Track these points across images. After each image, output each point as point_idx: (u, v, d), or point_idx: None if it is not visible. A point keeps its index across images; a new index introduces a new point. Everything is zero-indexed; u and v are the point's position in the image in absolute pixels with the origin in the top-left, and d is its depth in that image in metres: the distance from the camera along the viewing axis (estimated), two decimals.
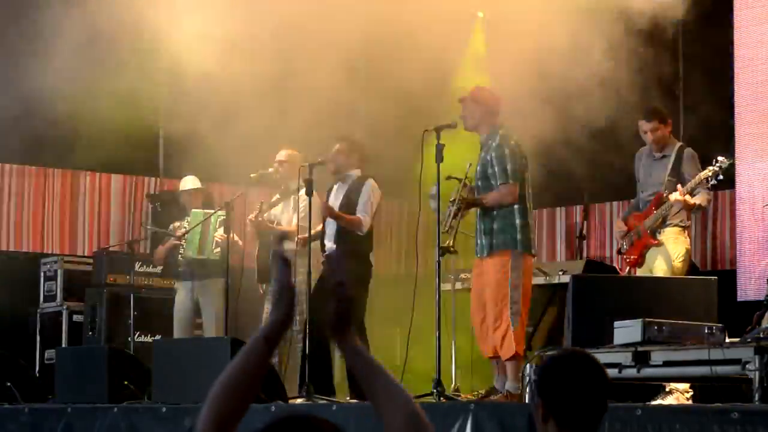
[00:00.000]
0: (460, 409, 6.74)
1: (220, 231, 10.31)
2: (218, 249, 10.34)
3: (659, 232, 8.63)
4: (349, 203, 9.28)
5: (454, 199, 8.25)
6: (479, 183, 8.31)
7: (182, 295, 10.56)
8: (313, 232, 9.04)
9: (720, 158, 8.36)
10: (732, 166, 8.61)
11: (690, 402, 7.87)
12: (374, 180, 9.42)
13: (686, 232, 8.72)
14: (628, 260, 8.78)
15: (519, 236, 8.17)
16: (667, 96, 10.22)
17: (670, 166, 8.66)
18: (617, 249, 9.01)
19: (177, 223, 10.85)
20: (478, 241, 8.32)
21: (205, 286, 10.46)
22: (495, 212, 8.22)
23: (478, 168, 8.30)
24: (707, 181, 8.36)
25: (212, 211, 10.48)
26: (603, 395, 3.38)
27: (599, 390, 3.37)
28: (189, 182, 10.83)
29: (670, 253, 8.55)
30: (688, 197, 8.39)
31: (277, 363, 9.42)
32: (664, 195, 8.57)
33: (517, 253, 8.13)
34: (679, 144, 8.78)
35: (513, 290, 8.06)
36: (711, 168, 8.35)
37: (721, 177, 8.38)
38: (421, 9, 10.06)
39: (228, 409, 2.75)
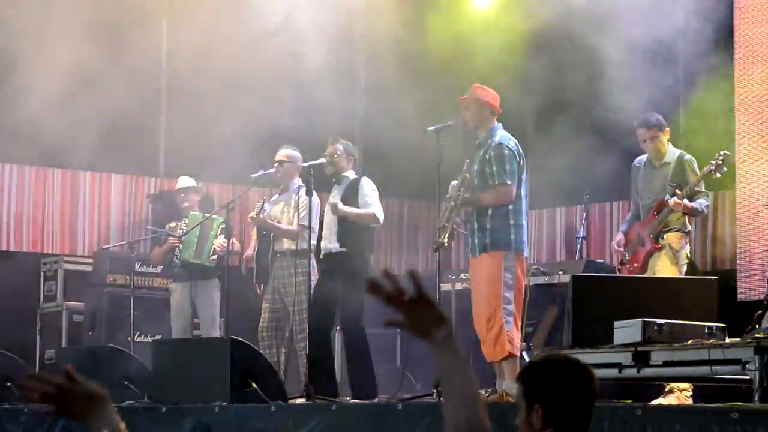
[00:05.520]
0: None
1: (221, 239, 10.33)
2: (215, 256, 10.37)
3: (661, 237, 8.65)
4: (347, 204, 9.26)
5: (451, 196, 8.27)
6: (475, 181, 8.29)
7: (179, 295, 10.57)
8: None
9: (722, 152, 8.47)
10: (731, 158, 8.68)
11: (690, 402, 7.87)
12: (367, 177, 9.43)
13: (687, 237, 8.76)
14: (630, 269, 8.78)
15: (513, 236, 8.17)
16: (666, 97, 10.20)
17: (670, 172, 8.69)
18: (619, 261, 9.00)
19: (173, 224, 10.86)
20: (471, 240, 8.30)
21: (201, 287, 10.47)
22: (491, 211, 8.21)
23: (476, 167, 8.29)
24: (710, 173, 8.45)
25: (211, 214, 10.48)
26: (594, 401, 3.39)
27: (593, 396, 3.38)
28: (184, 181, 10.87)
29: (670, 257, 8.57)
30: (686, 201, 8.47)
31: (277, 363, 9.43)
32: (666, 199, 8.60)
33: (511, 253, 8.14)
34: (679, 151, 8.83)
35: (506, 290, 8.06)
36: (713, 161, 8.44)
37: (725, 169, 8.48)
38: None
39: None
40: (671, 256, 8.58)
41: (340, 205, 9.07)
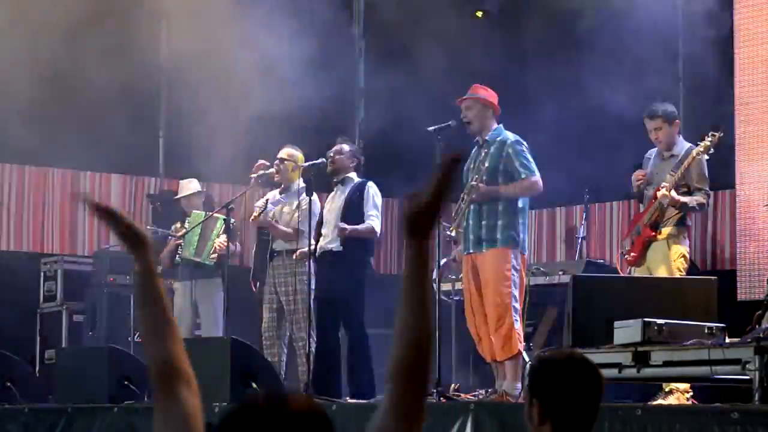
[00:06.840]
0: (460, 409, 6.74)
1: (223, 238, 10.29)
2: (215, 255, 10.34)
3: (659, 230, 8.62)
4: (352, 208, 9.25)
5: (466, 194, 8.25)
6: (484, 177, 8.25)
7: (181, 295, 10.56)
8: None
9: (712, 132, 8.39)
10: (725, 139, 8.59)
11: (690, 402, 7.87)
12: (373, 183, 9.42)
13: (686, 231, 8.72)
14: (628, 258, 8.77)
15: (521, 235, 8.19)
16: (667, 96, 10.21)
17: (675, 164, 8.65)
18: (620, 252, 8.98)
19: (178, 224, 10.85)
20: (473, 236, 8.27)
21: (202, 286, 10.45)
22: (500, 208, 8.19)
23: (487, 164, 8.24)
24: (699, 155, 8.37)
25: (212, 212, 10.47)
26: (599, 399, 3.39)
27: (596, 394, 3.38)
28: (188, 187, 10.82)
29: (668, 252, 8.54)
30: (673, 193, 8.37)
31: (279, 362, 9.43)
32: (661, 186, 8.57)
33: (518, 251, 8.15)
34: (688, 145, 8.72)
35: (515, 288, 8.07)
36: (703, 143, 8.37)
37: (712, 150, 8.38)
38: None
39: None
40: (666, 249, 8.55)
41: (342, 225, 9.08)
